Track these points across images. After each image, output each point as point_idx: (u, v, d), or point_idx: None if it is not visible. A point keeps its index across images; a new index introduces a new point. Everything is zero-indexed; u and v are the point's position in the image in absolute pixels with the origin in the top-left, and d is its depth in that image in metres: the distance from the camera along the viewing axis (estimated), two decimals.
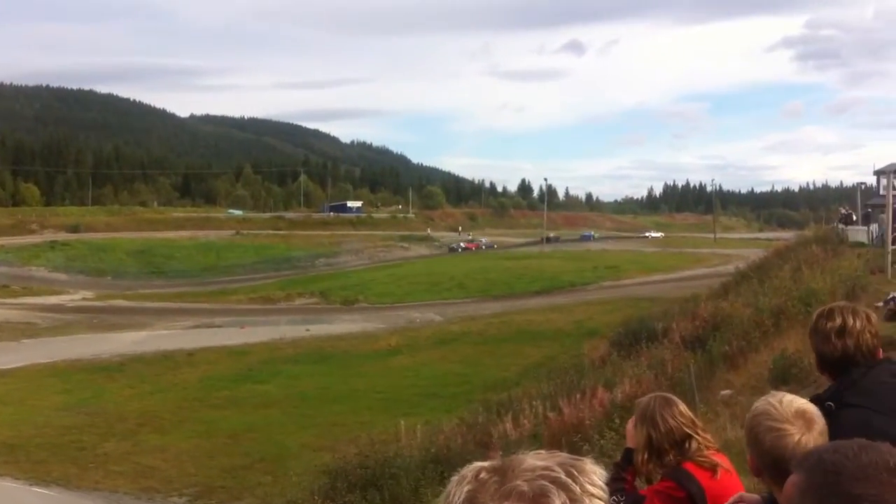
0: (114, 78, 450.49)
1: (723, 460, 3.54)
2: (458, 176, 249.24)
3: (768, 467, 2.51)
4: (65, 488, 23.24)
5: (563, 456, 1.23)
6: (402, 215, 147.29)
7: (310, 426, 29.29)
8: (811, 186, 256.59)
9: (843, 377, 3.11)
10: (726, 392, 16.70)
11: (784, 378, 14.79)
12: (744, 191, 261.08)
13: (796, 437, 2.45)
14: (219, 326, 54.67)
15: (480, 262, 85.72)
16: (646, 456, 3.62)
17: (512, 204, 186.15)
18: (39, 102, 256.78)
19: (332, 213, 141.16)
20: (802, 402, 2.58)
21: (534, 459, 1.22)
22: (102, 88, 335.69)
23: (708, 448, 3.56)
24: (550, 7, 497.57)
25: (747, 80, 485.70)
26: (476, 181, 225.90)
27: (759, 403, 2.61)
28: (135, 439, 28.17)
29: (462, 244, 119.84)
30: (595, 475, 1.21)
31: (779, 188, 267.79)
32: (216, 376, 38.24)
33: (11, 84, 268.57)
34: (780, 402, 2.55)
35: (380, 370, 38.80)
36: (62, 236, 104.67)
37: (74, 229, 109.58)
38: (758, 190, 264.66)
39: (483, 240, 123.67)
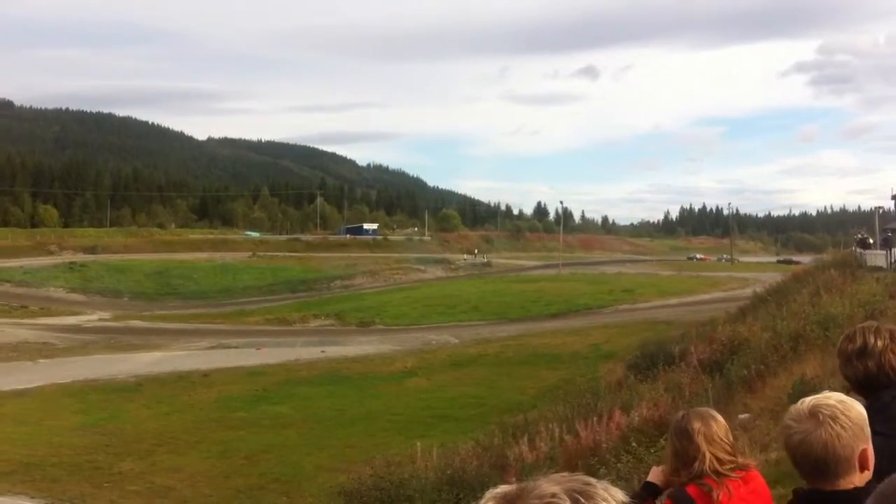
0: (133, 101, 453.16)
1: (735, 485, 3.49)
2: (473, 199, 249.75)
3: (791, 459, 2.53)
4: None
5: (578, 480, 1.23)
6: (417, 238, 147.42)
7: (325, 447, 29.22)
8: (829, 210, 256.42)
9: (872, 400, 3.02)
10: (744, 416, 16.58)
11: None
12: (761, 214, 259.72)
13: (798, 437, 2.45)
14: (235, 347, 54.74)
15: (496, 284, 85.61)
16: (669, 472, 3.64)
17: (528, 227, 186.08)
18: (59, 125, 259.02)
19: (348, 236, 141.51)
20: (824, 400, 2.51)
21: (547, 485, 1.21)
22: (121, 112, 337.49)
23: (718, 472, 3.51)
24: (566, 32, 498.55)
25: (762, 105, 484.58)
26: (492, 204, 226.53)
27: None
28: (151, 459, 28.15)
29: (698, 255, 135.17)
30: (606, 501, 1.21)
31: (796, 212, 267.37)
32: (232, 397, 38.24)
33: (31, 107, 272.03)
34: (804, 401, 2.53)
35: (395, 392, 38.70)
36: (80, 257, 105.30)
37: (92, 250, 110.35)
38: (775, 214, 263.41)
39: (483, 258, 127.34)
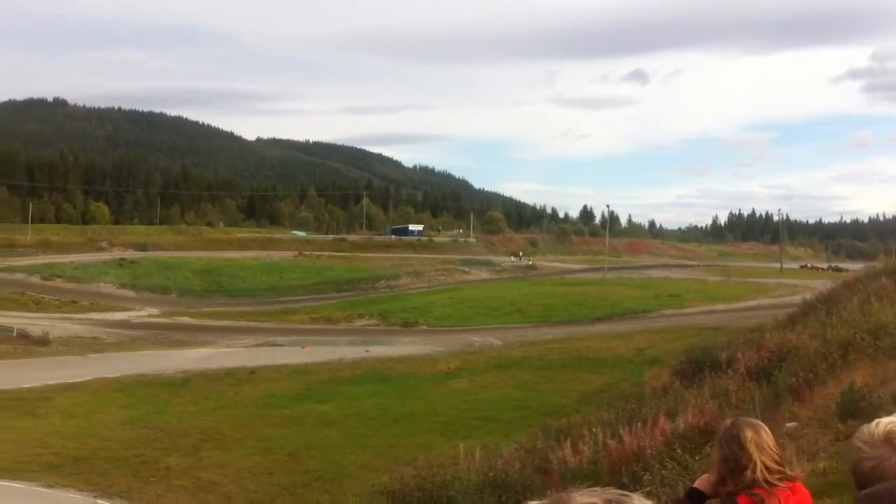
0: (183, 101, 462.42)
1: (784, 495, 3.46)
2: (519, 201, 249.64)
3: (857, 486, 2.42)
4: (127, 501, 23.55)
5: (612, 493, 1.25)
6: (462, 239, 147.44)
7: (368, 447, 29.32)
8: (881, 218, 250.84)
9: None
10: (792, 424, 16.34)
11: (852, 412, 14.43)
12: (811, 221, 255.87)
13: (869, 464, 2.36)
14: (280, 345, 55.21)
15: (540, 287, 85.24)
16: (715, 481, 3.60)
17: (573, 230, 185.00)
18: (111, 124, 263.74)
19: (393, 237, 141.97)
20: None
21: (581, 497, 1.24)
22: (172, 111, 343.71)
23: (768, 481, 3.48)
24: (615, 36, 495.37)
25: (813, 111, 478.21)
26: (538, 207, 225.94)
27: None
28: (197, 455, 28.49)
29: (809, 263, 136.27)
30: None
31: (847, 219, 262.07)
32: (277, 395, 38.57)
33: (84, 106, 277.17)
34: (878, 422, 2.44)
35: (438, 393, 38.71)
36: (130, 254, 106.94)
37: (142, 247, 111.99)
38: (826, 220, 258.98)
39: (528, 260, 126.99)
